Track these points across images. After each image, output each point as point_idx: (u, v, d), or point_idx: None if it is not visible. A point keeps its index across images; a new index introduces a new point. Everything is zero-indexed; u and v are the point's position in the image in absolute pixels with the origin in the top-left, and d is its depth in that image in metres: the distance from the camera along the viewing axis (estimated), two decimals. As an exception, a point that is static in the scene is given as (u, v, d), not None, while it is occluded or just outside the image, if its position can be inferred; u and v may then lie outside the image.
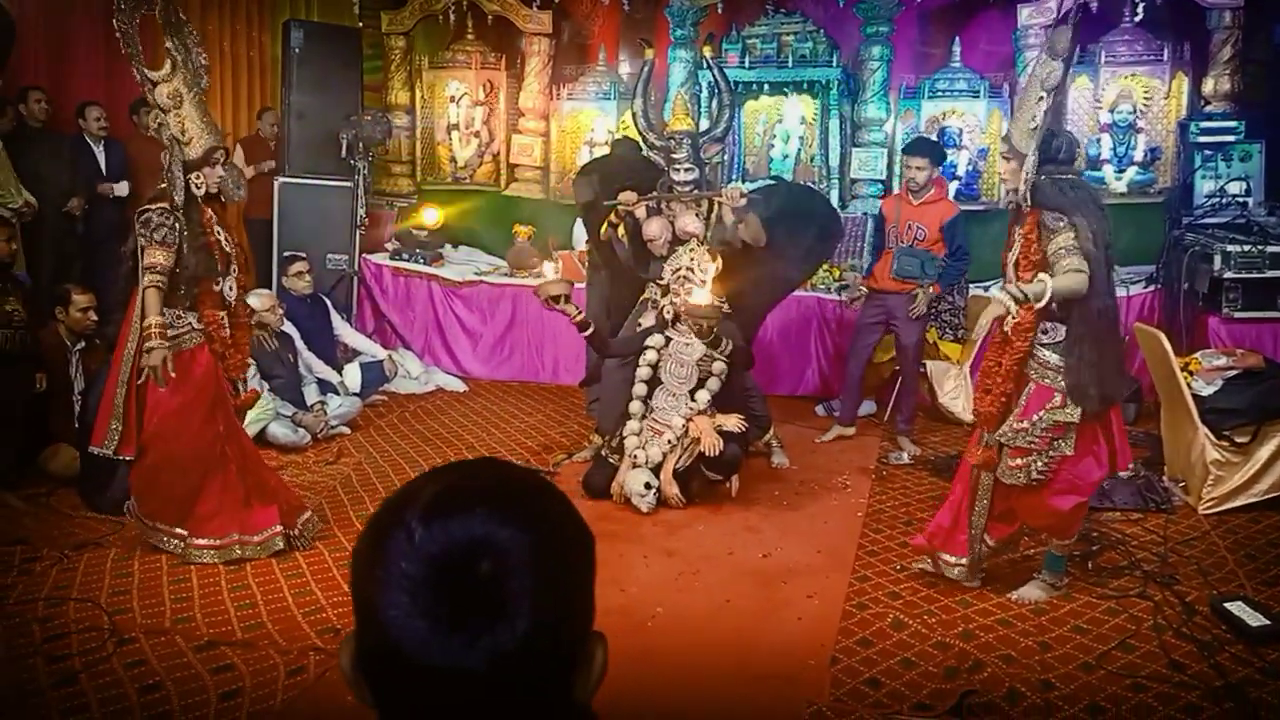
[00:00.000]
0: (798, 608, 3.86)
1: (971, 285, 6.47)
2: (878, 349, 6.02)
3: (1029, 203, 3.58)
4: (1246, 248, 5.40)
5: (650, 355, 4.99)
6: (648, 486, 4.78)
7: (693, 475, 4.85)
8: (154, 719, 3.05)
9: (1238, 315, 5.44)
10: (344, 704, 2.99)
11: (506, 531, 0.86)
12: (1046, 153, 3.59)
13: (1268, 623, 3.52)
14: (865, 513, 4.84)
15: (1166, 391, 5.07)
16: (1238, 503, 4.67)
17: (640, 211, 5.11)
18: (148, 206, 3.99)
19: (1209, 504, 4.68)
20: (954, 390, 6.24)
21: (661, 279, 5.14)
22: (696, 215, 5.12)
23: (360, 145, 7.51)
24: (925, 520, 4.51)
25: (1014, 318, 3.58)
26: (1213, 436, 4.69)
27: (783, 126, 7.60)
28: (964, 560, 3.90)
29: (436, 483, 0.91)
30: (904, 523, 4.72)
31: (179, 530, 4.18)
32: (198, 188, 4.03)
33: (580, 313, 4.97)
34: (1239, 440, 4.67)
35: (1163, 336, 5.03)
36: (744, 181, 7.09)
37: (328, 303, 6.83)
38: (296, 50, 7.56)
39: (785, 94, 7.51)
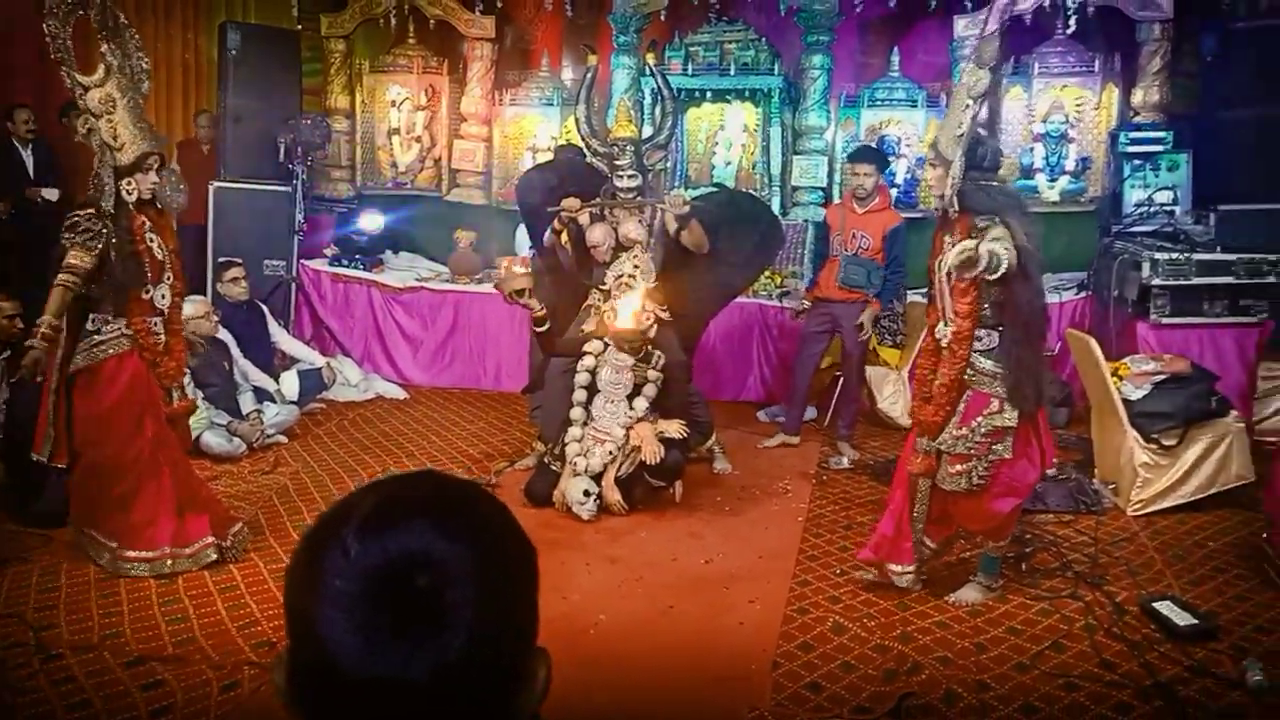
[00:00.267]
0: (740, 613, 3.88)
1: (910, 292, 6.56)
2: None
3: (956, 208, 3.64)
4: (1174, 256, 5.53)
5: (588, 361, 4.99)
6: (586, 494, 4.77)
7: (635, 482, 4.85)
8: (81, 737, 2.98)
9: (1165, 321, 5.58)
10: None
11: (445, 544, 0.85)
12: (972, 159, 3.65)
13: (1195, 622, 3.61)
14: (806, 517, 4.88)
15: (1097, 396, 5.18)
16: (1165, 504, 4.79)
17: (584, 218, 5.10)
18: (76, 212, 3.91)
19: (1137, 506, 4.79)
20: (892, 395, 6.33)
21: (604, 284, 5.14)
22: (640, 222, 5.13)
23: (299, 149, 7.41)
24: (866, 524, 4.57)
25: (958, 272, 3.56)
26: (1141, 440, 4.80)
27: (725, 134, 7.64)
28: (910, 568, 3.93)
29: (373, 496, 0.90)
30: (844, 527, 4.76)
31: (110, 543, 4.09)
32: (129, 194, 3.96)
33: (542, 308, 4.96)
34: (1166, 443, 4.79)
35: (1093, 342, 5.15)
36: (687, 188, 7.11)
37: (264, 309, 6.72)
38: (233, 53, 7.45)
39: (727, 101, 7.56)
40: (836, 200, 7.11)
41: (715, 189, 6.78)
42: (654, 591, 4.06)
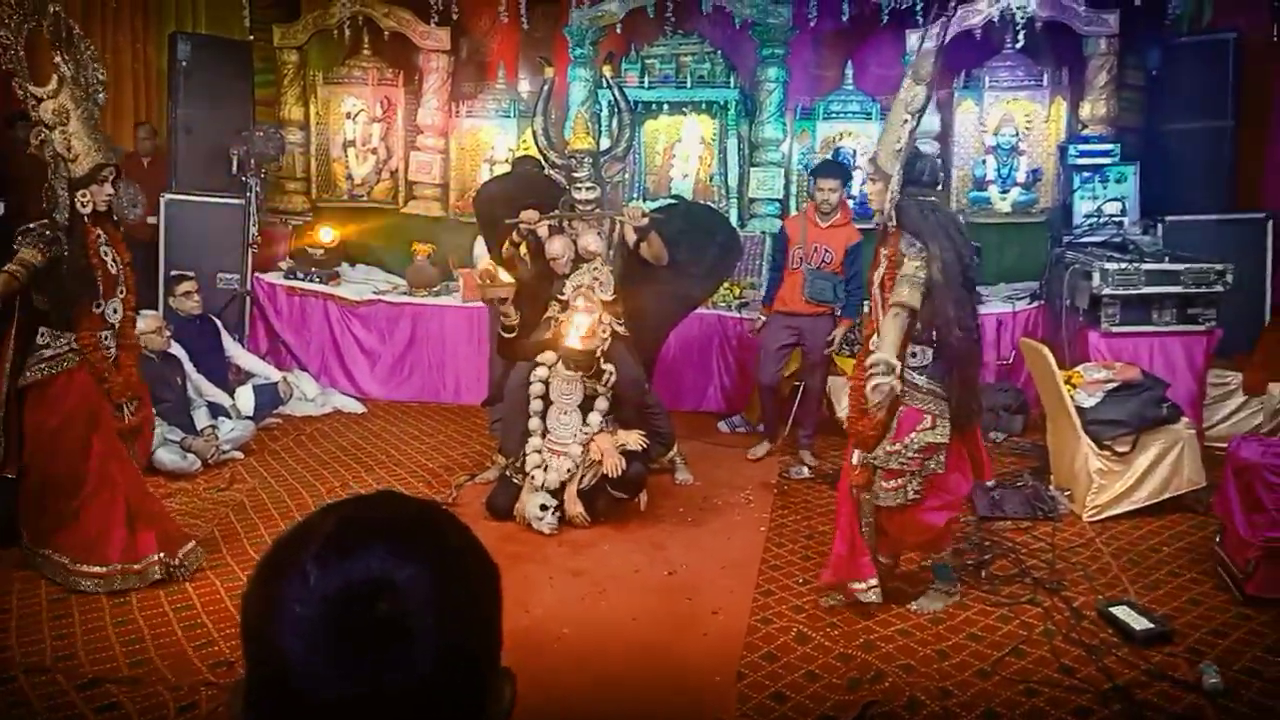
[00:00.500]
0: (703, 624, 3.88)
1: (866, 302, 6.62)
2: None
3: (893, 222, 3.67)
4: (1123, 265, 5.64)
5: (541, 372, 4.97)
6: (544, 508, 4.75)
7: (598, 494, 4.84)
8: (34, 763, 2.91)
9: (1116, 330, 5.67)
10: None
11: (406, 568, 0.84)
12: (910, 174, 3.67)
13: (1151, 626, 3.67)
14: (768, 527, 4.90)
15: (1051, 403, 5.26)
16: (1120, 509, 4.86)
17: (542, 230, 5.09)
18: (30, 225, 3.85)
19: (1093, 511, 4.86)
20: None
21: (563, 295, 5.12)
22: (599, 234, 5.13)
23: (252, 161, 7.32)
24: (827, 533, 4.59)
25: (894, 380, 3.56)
26: (1095, 446, 4.88)
27: (682, 146, 7.68)
28: (873, 582, 3.89)
29: (331, 519, 0.88)
30: (805, 536, 4.78)
31: (62, 559, 4.02)
32: (83, 206, 3.90)
33: (517, 316, 4.94)
34: (1120, 450, 4.87)
35: (1047, 351, 5.23)
36: (645, 200, 7.13)
37: (218, 323, 6.62)
38: (183, 63, 7.35)
39: (684, 114, 7.61)
40: (794, 212, 7.16)
41: (673, 201, 6.80)
42: (617, 604, 4.05)
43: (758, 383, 6.08)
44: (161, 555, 4.11)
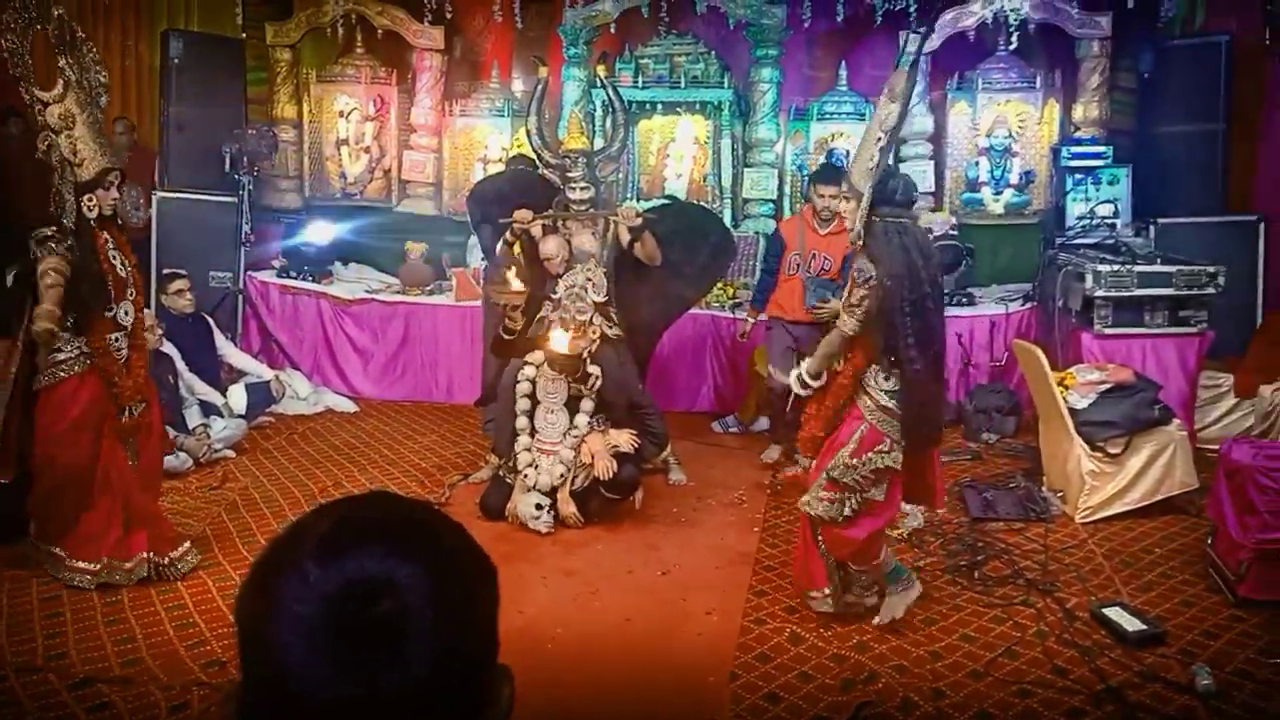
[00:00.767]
0: (697, 624, 3.88)
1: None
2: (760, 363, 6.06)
3: (862, 242, 3.59)
4: (1116, 267, 5.65)
5: (528, 371, 4.97)
6: (539, 508, 4.75)
7: (591, 494, 4.83)
8: (25, 764, 2.89)
9: (1108, 331, 5.69)
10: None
11: (405, 567, 0.84)
12: (882, 193, 3.57)
13: (1144, 627, 3.68)
14: (761, 527, 4.90)
15: (1044, 405, 5.27)
16: (1112, 511, 4.87)
17: (536, 230, 5.09)
18: (41, 230, 3.83)
19: (1085, 513, 4.87)
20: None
21: (555, 294, 5.11)
22: (593, 234, 5.13)
23: (245, 159, 7.30)
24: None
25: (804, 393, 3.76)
26: (1088, 448, 4.89)
27: (676, 146, 7.68)
28: (825, 590, 3.84)
29: (328, 519, 0.88)
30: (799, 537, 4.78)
31: (60, 552, 4.04)
32: (90, 210, 3.89)
33: (522, 321, 4.93)
34: (1112, 451, 4.88)
35: (1040, 352, 5.24)
36: (638, 200, 7.13)
37: (210, 322, 6.60)
38: (176, 61, 7.33)
39: (678, 114, 7.60)
40: (789, 214, 7.15)
41: (667, 201, 6.80)
42: (611, 604, 4.05)
43: (767, 388, 5.97)
44: (150, 554, 4.11)
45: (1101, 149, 6.85)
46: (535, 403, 4.94)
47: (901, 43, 6.97)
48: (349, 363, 7.36)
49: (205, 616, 3.85)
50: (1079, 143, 7.00)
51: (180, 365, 5.97)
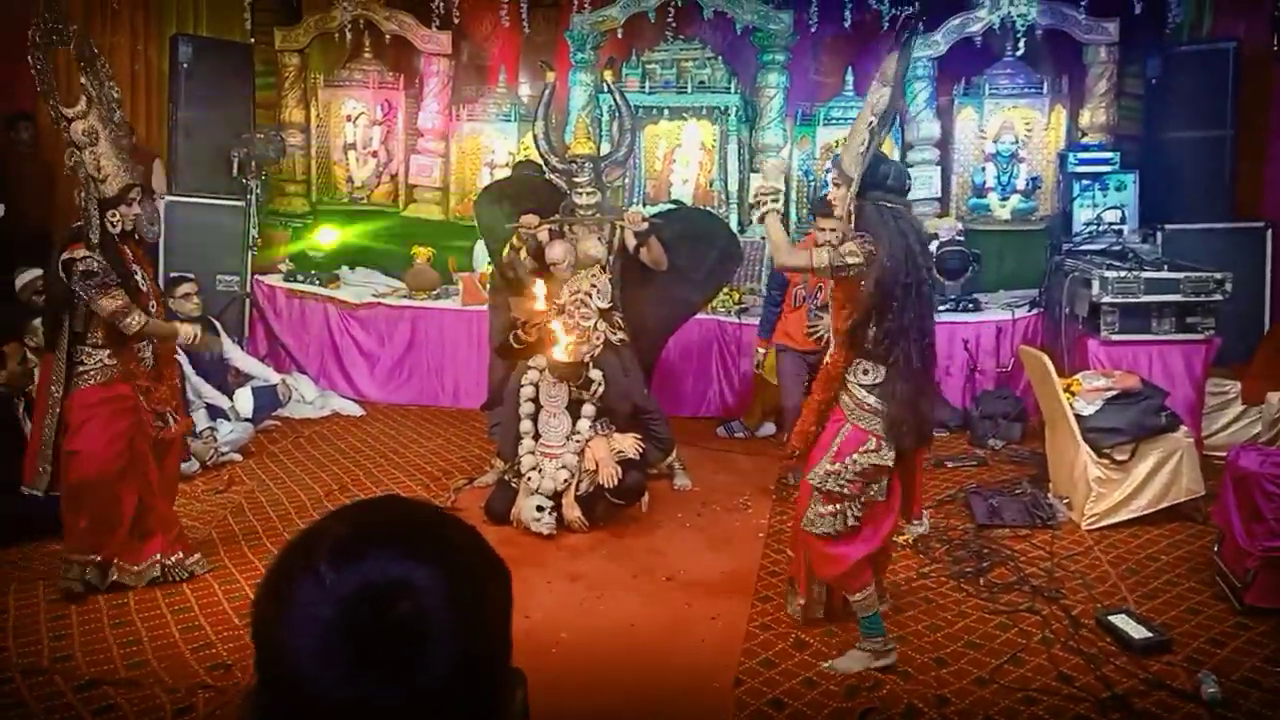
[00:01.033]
0: (702, 630, 3.88)
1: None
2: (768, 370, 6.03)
3: (853, 227, 3.48)
4: (1123, 274, 5.64)
5: (532, 375, 4.98)
6: (540, 509, 4.75)
7: (596, 499, 4.84)
8: (30, 766, 2.90)
9: (1115, 338, 5.67)
10: (236, 744, 2.89)
11: (421, 569, 0.84)
12: (873, 178, 3.46)
13: (1150, 635, 3.67)
14: (766, 533, 4.89)
15: (1050, 411, 5.26)
16: (1118, 518, 4.86)
17: (543, 235, 5.09)
18: (73, 255, 3.85)
19: (1091, 519, 4.86)
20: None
21: (559, 301, 5.12)
22: (599, 239, 5.13)
23: (253, 163, 7.32)
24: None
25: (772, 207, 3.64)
26: (1094, 454, 4.88)
27: (682, 151, 7.68)
28: (801, 600, 3.82)
29: (342, 523, 0.89)
30: (804, 543, 4.77)
31: (85, 558, 4.02)
32: (113, 226, 3.92)
33: (536, 335, 4.95)
34: (1118, 458, 4.87)
35: (1046, 358, 5.23)
36: (645, 205, 7.13)
37: (218, 325, 6.61)
38: (185, 65, 7.35)
39: (685, 119, 7.61)
40: (796, 229, 7.10)
41: (673, 206, 6.81)
42: (616, 609, 4.05)
43: (782, 405, 5.91)
44: (159, 556, 4.13)
45: (1108, 155, 6.84)
46: (539, 406, 4.95)
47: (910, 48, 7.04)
48: (355, 367, 7.38)
49: (211, 620, 3.86)
50: (1086, 148, 6.99)
51: (187, 368, 5.97)
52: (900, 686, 3.43)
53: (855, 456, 3.45)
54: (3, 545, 4.37)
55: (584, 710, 3.30)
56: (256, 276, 7.49)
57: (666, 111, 7.58)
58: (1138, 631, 3.69)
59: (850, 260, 3.38)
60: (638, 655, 3.69)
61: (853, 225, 3.48)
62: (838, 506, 3.50)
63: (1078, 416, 4.97)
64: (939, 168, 7.41)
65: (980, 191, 7.44)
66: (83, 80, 3.90)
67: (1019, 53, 7.19)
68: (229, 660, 3.52)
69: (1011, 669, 3.55)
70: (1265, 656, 3.60)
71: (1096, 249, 6.27)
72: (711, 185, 7.57)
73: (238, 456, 5.86)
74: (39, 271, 4.98)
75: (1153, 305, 5.64)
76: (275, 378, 6.70)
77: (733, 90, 7.44)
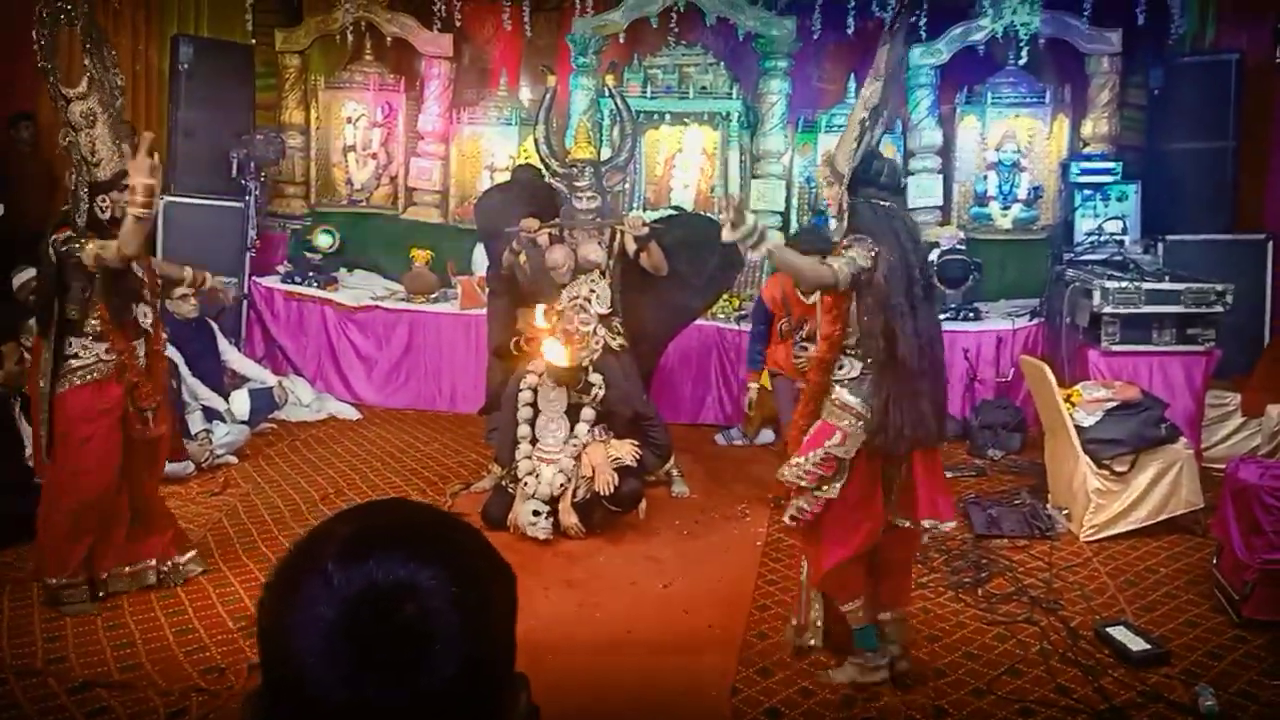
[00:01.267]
0: (699, 638, 3.85)
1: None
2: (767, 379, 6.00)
3: (846, 225, 3.37)
4: (1124, 284, 5.63)
5: (531, 379, 4.96)
6: (536, 514, 4.73)
7: (594, 506, 4.81)
8: (21, 769, 2.88)
9: (1116, 348, 5.66)
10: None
11: (428, 572, 0.84)
12: (865, 174, 3.38)
13: (1148, 647, 3.65)
14: (764, 541, 4.87)
15: (1050, 422, 5.24)
16: (1117, 529, 4.84)
17: (543, 239, 5.08)
18: (56, 236, 3.79)
19: (1090, 531, 4.84)
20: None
21: (559, 305, 5.11)
22: (599, 244, 5.12)
23: (252, 165, 7.32)
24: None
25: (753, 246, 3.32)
26: (1094, 465, 4.86)
27: (683, 156, 7.68)
28: (794, 621, 3.75)
29: (349, 524, 0.89)
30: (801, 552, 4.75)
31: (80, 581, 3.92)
32: (103, 211, 3.84)
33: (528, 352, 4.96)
34: (1118, 469, 4.85)
35: (1047, 368, 5.22)
36: (645, 210, 7.13)
37: (214, 327, 6.60)
38: (185, 66, 7.35)
39: (686, 124, 7.61)
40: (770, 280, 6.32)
41: (674, 211, 6.80)
42: (612, 616, 4.03)
43: (780, 422, 5.85)
44: (154, 561, 4.10)
45: (1110, 165, 6.85)
46: (537, 411, 4.94)
47: (913, 56, 7.04)
48: (353, 370, 7.36)
49: (205, 623, 3.83)
50: (1088, 158, 7.00)
51: (183, 370, 5.96)
52: (898, 697, 3.41)
53: (816, 450, 3.34)
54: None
55: (580, 717, 3.28)
56: (254, 278, 7.48)
57: (668, 117, 7.57)
58: (1136, 644, 3.67)
59: (863, 264, 3.25)
60: (634, 663, 3.67)
61: (846, 224, 3.38)
62: (797, 499, 3.41)
63: (1078, 427, 4.96)
64: (941, 176, 7.41)
65: (982, 200, 7.45)
66: (86, 62, 3.82)
67: (1022, 62, 7.19)
68: (223, 664, 3.50)
69: (1009, 680, 3.53)
70: (1263, 669, 3.58)
71: (1098, 259, 6.26)
72: (712, 191, 7.56)
73: (233, 459, 5.84)
74: (35, 271, 4.94)
75: (1153, 316, 5.63)
76: (272, 380, 6.69)
77: (734, 96, 7.44)
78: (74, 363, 3.86)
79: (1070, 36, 7.13)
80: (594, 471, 4.74)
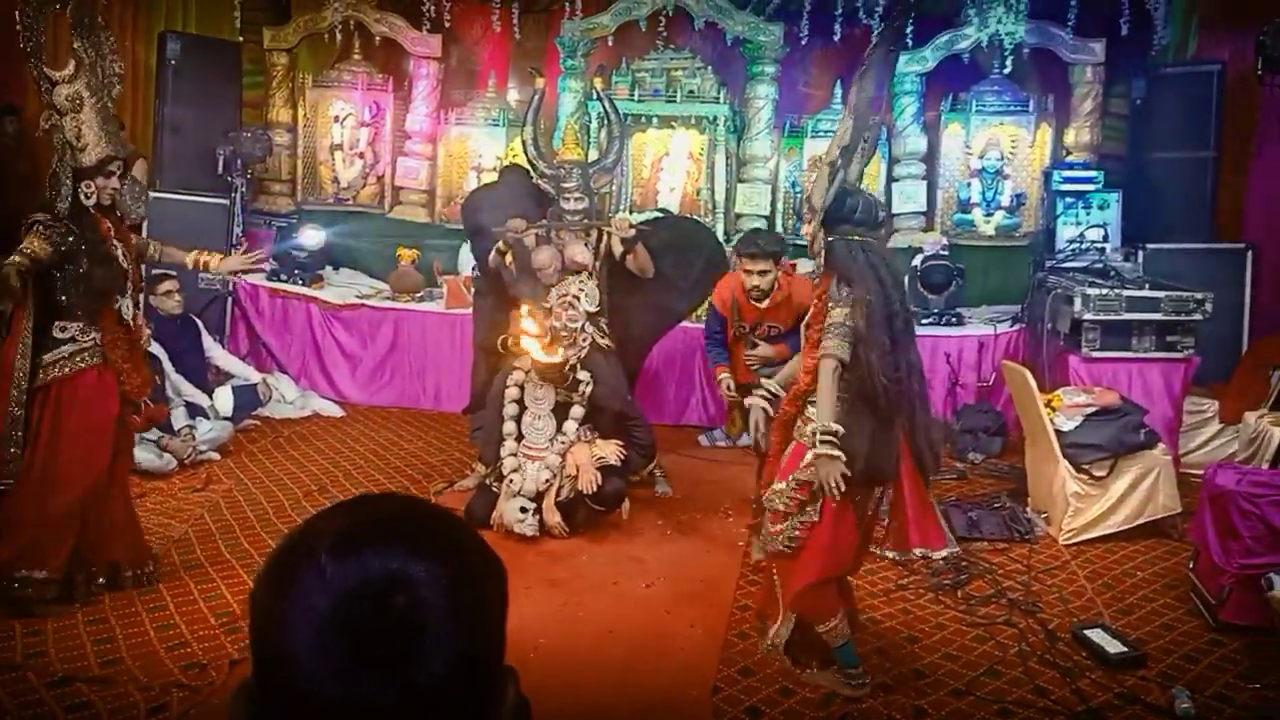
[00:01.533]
0: (680, 637, 3.87)
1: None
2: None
3: (823, 264, 3.40)
4: (1104, 291, 5.68)
5: (517, 376, 4.97)
6: (523, 510, 4.73)
7: (577, 505, 4.82)
8: (0, 762, 2.87)
9: (1096, 354, 5.72)
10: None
11: (421, 564, 0.84)
12: (839, 212, 3.37)
13: (1125, 649, 3.69)
14: (746, 541, 4.87)
15: (1031, 426, 5.29)
16: (1096, 533, 4.88)
17: (529, 240, 5.09)
18: (36, 216, 3.75)
19: (1069, 534, 4.89)
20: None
21: (547, 302, 5.11)
22: (585, 245, 5.13)
23: (238, 162, 7.30)
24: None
25: (774, 413, 3.53)
26: (1073, 470, 4.91)
27: (670, 160, 7.70)
28: (772, 628, 3.73)
29: (343, 518, 0.89)
30: (784, 552, 4.78)
31: (38, 574, 3.80)
32: (87, 197, 3.79)
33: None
34: (1097, 474, 4.90)
35: (1028, 374, 5.26)
36: (632, 213, 7.14)
37: (199, 324, 6.58)
38: (172, 62, 7.33)
39: (673, 128, 7.62)
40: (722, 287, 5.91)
41: (660, 214, 6.82)
42: (594, 615, 4.04)
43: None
44: (130, 571, 4.03)
45: (1093, 174, 6.90)
46: (523, 408, 4.95)
47: (900, 63, 7.08)
48: (337, 367, 7.34)
49: (186, 618, 3.82)
50: (1070, 167, 7.06)
51: (167, 366, 5.94)
52: (878, 697, 3.43)
53: (794, 474, 3.38)
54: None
55: (561, 716, 3.29)
56: (239, 275, 7.44)
57: (655, 120, 7.59)
58: (1113, 646, 3.71)
59: (849, 324, 3.27)
60: (616, 662, 3.68)
61: (822, 262, 3.40)
62: (782, 525, 3.42)
63: (1058, 432, 5.00)
64: (925, 182, 7.46)
65: (965, 207, 7.50)
66: (75, 45, 3.76)
67: (1006, 71, 7.26)
68: (204, 659, 3.49)
69: (988, 681, 3.56)
70: (1239, 673, 3.63)
71: (1079, 266, 6.32)
72: (698, 194, 7.58)
73: (216, 455, 5.82)
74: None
75: (1133, 323, 5.69)
76: (256, 377, 6.67)
77: (722, 100, 7.46)
78: (68, 347, 3.79)
79: (1054, 46, 7.20)
80: (578, 470, 4.75)
